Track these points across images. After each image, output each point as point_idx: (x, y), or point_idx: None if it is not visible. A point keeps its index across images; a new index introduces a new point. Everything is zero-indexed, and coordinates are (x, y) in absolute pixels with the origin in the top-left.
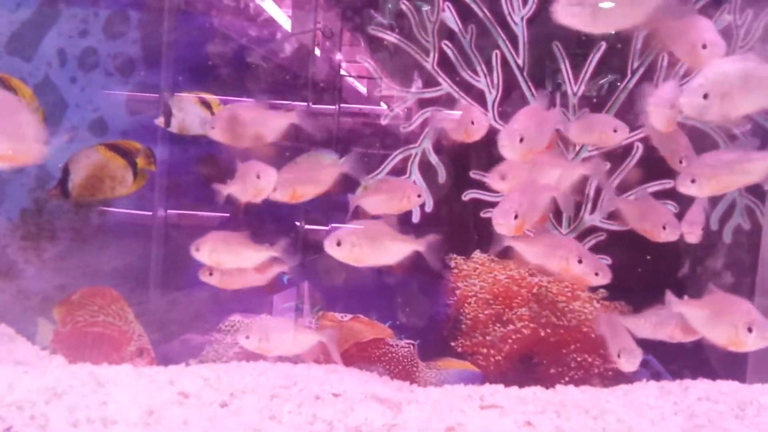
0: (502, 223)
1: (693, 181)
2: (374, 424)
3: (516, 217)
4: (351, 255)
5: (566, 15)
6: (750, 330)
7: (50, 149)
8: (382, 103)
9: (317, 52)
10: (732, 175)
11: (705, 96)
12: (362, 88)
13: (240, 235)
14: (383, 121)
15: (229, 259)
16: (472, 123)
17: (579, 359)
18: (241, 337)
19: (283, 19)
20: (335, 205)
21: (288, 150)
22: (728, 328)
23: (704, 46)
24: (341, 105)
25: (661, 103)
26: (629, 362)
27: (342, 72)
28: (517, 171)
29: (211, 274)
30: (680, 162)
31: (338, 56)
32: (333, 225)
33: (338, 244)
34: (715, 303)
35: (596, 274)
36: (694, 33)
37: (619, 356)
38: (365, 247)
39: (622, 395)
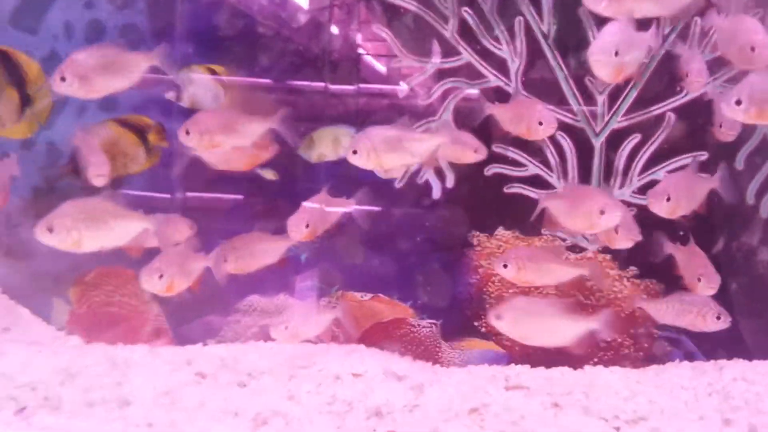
0: (655, 203)
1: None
2: (395, 405)
3: (668, 199)
4: (68, 240)
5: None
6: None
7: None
8: (401, 83)
9: (334, 29)
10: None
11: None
12: (381, 67)
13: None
14: (400, 95)
15: None
16: (540, 123)
17: (608, 339)
18: (278, 329)
19: None
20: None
21: (303, 126)
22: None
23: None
24: (360, 85)
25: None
26: (709, 287)
27: (360, 51)
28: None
29: (225, 260)
30: (720, 126)
31: (355, 33)
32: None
33: (50, 230)
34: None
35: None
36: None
37: (699, 280)
38: (83, 229)
39: (654, 376)
